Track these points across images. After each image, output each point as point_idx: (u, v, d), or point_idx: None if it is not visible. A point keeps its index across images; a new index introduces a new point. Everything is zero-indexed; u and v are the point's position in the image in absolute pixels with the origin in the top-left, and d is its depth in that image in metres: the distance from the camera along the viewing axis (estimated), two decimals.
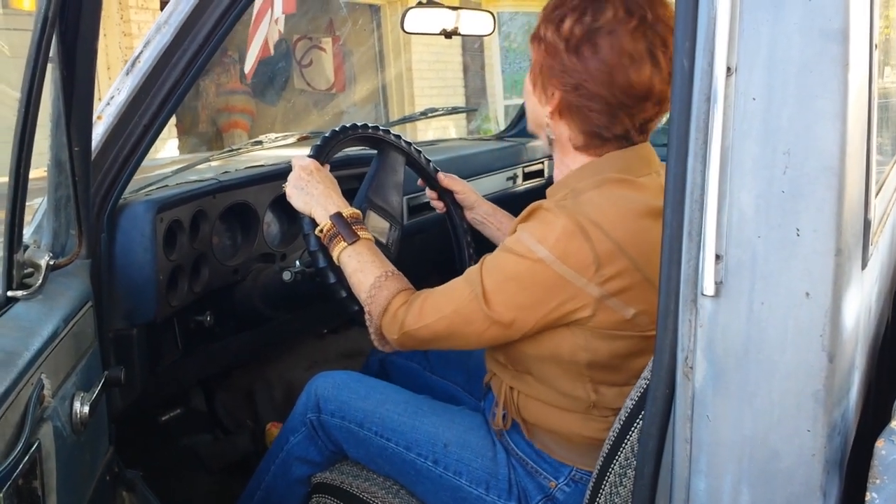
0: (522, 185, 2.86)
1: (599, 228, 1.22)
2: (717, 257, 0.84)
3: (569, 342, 1.28)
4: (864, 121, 0.85)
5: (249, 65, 6.48)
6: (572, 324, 1.26)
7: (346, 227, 1.45)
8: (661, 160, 1.20)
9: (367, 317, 1.43)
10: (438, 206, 1.87)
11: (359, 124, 1.74)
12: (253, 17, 6.29)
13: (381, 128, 1.79)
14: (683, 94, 0.88)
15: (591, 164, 1.34)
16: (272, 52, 6.74)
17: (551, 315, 1.25)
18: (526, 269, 1.24)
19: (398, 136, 1.82)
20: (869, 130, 0.88)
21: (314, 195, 1.50)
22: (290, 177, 1.53)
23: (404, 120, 3.39)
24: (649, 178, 1.32)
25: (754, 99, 0.82)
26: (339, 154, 1.77)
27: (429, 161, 1.87)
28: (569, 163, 1.38)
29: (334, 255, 1.46)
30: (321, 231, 1.47)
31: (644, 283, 1.23)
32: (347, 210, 1.49)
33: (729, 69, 0.83)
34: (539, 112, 1.36)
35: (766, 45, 0.81)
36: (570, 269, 1.21)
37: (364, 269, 1.42)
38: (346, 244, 1.44)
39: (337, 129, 1.71)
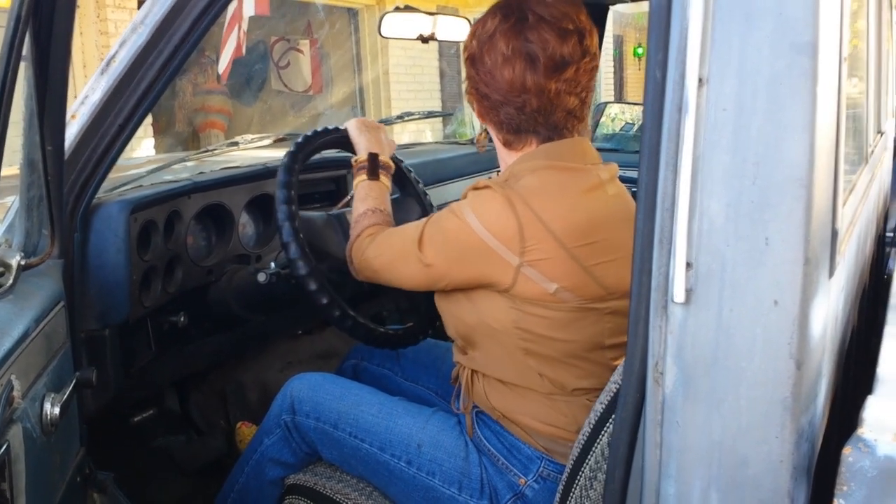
0: None
1: (527, 205, 1.33)
2: (688, 265, 0.85)
3: (495, 309, 1.39)
4: (833, 132, 0.87)
5: (223, 65, 6.45)
6: (498, 292, 1.37)
7: (374, 166, 1.69)
8: (632, 166, 1.22)
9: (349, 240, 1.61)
10: None
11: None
12: (227, 19, 6.27)
13: (412, 174, 1.96)
14: (655, 104, 0.89)
15: (527, 155, 1.44)
16: (244, 52, 6.72)
17: (469, 271, 1.38)
18: (455, 227, 1.38)
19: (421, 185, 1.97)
20: (837, 141, 0.89)
21: (366, 136, 1.75)
22: (351, 125, 1.79)
23: (381, 123, 3.38)
24: (581, 167, 1.41)
25: (725, 109, 0.84)
26: (316, 157, 1.77)
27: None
28: (506, 158, 1.48)
29: (355, 181, 1.69)
30: (357, 160, 1.72)
31: (568, 259, 1.33)
32: (384, 158, 1.72)
33: (700, 80, 0.84)
34: (477, 112, 1.50)
35: (737, 56, 0.83)
36: (493, 236, 1.34)
37: (364, 199, 1.64)
38: (365, 177, 1.68)
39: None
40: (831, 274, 0.90)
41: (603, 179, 1.41)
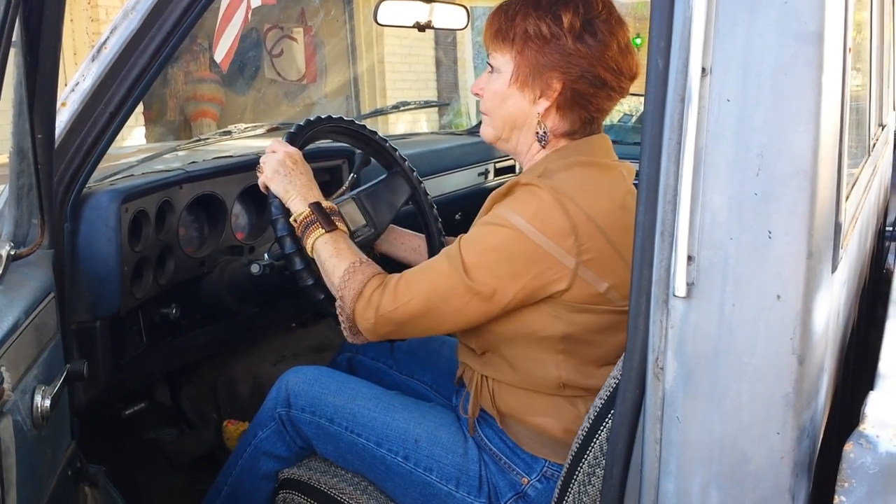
0: (493, 181, 2.85)
1: (573, 201, 1.26)
2: (689, 258, 0.84)
3: (544, 318, 1.31)
4: (837, 124, 0.86)
5: (222, 54, 6.39)
6: (548, 298, 1.29)
7: (324, 216, 1.46)
8: (633, 159, 1.21)
9: (338, 305, 1.42)
10: None
11: (377, 134, 1.83)
12: (226, 6, 6.21)
13: (398, 152, 1.86)
14: (658, 94, 0.88)
15: (558, 152, 1.39)
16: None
17: (529, 286, 1.27)
18: (504, 239, 1.27)
19: (412, 170, 1.87)
20: (841, 133, 0.88)
21: (296, 184, 1.50)
22: (272, 160, 1.52)
23: (376, 113, 3.38)
24: (610, 163, 1.39)
25: (729, 100, 0.82)
26: (310, 147, 1.75)
27: (433, 209, 1.88)
28: (533, 156, 1.42)
29: (309, 242, 1.45)
30: (297, 219, 1.47)
31: (616, 256, 1.28)
32: (326, 203, 1.50)
33: (704, 70, 0.83)
34: (526, 111, 1.38)
35: (741, 46, 0.81)
36: (547, 238, 1.25)
37: (339, 255, 1.42)
38: (322, 231, 1.44)
39: (359, 127, 1.79)
40: (834, 268, 0.89)
41: (624, 176, 1.39)
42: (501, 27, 1.37)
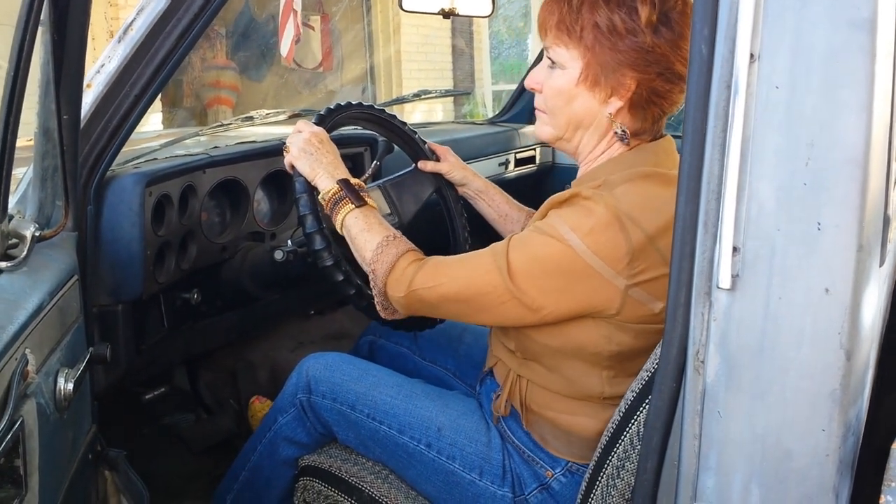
0: (514, 172, 2.83)
1: (634, 221, 1.19)
2: (734, 249, 0.81)
3: (595, 336, 1.26)
4: (888, 113, 0.83)
5: (286, 49, 6.46)
6: (598, 318, 1.24)
7: (353, 192, 1.43)
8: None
9: (371, 278, 1.39)
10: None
11: (407, 125, 1.80)
12: (284, 2, 6.30)
13: (427, 145, 1.82)
14: (701, 82, 0.85)
15: (622, 157, 1.31)
16: (301, 33, 6.73)
17: (573, 302, 1.22)
18: (555, 253, 1.20)
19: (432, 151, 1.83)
20: (892, 123, 0.85)
21: (322, 162, 1.47)
22: (298, 140, 1.49)
23: (396, 101, 3.34)
24: (676, 173, 1.29)
25: (777, 87, 0.80)
26: (332, 134, 1.73)
27: (459, 204, 1.84)
28: (588, 160, 1.35)
29: (339, 218, 1.42)
30: (325, 196, 1.44)
31: None
32: (354, 180, 1.46)
33: (752, 56, 0.81)
34: (595, 111, 1.29)
35: (791, 31, 0.79)
36: (600, 260, 1.18)
37: (371, 230, 1.39)
38: (353, 206, 1.41)
39: (384, 112, 1.76)
40: (882, 262, 0.86)
41: None
42: (564, 18, 1.26)
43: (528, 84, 1.38)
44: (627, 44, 1.23)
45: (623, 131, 1.29)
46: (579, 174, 1.37)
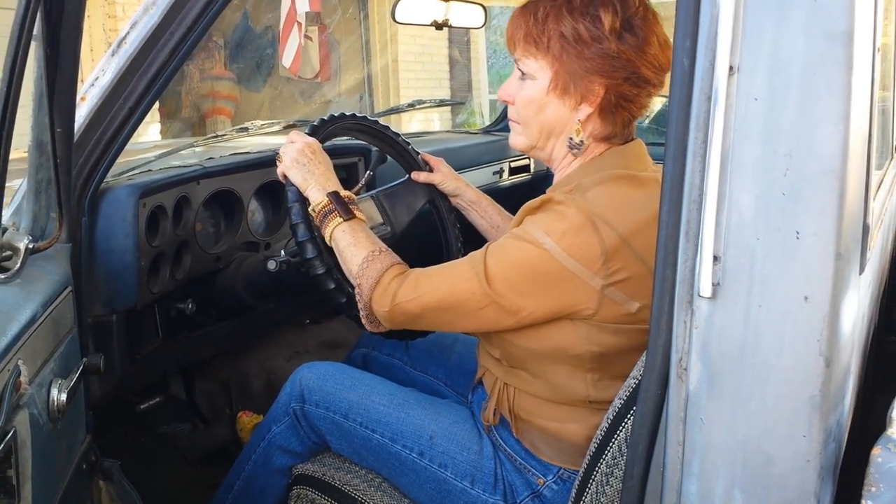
0: (508, 180, 2.84)
1: (607, 222, 1.21)
2: (715, 258, 0.83)
3: (573, 337, 1.28)
4: (866, 124, 0.84)
5: (290, 60, 6.47)
6: (577, 319, 1.26)
7: (342, 205, 1.45)
8: (656, 159, 1.20)
9: (356, 292, 1.41)
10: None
11: (400, 136, 1.81)
12: (286, 13, 6.33)
13: (420, 156, 1.83)
14: (683, 93, 0.87)
15: (593, 162, 1.34)
16: (303, 43, 6.76)
17: (551, 304, 1.24)
18: (530, 257, 1.23)
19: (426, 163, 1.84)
20: (870, 134, 0.87)
21: (314, 174, 1.49)
22: (291, 150, 1.51)
23: (392, 111, 3.36)
24: (647, 175, 1.33)
25: (756, 99, 0.81)
26: (326, 144, 1.75)
27: (452, 214, 1.85)
28: (564, 167, 1.37)
29: (328, 231, 1.44)
30: (315, 208, 1.46)
31: (648, 275, 1.22)
32: (344, 192, 1.48)
33: (731, 68, 0.82)
34: (565, 119, 1.32)
35: (769, 44, 0.80)
36: (575, 261, 1.21)
37: (357, 244, 1.41)
38: (341, 220, 1.43)
39: (378, 124, 1.77)
40: (861, 270, 0.88)
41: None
42: (531, 30, 1.29)
43: (500, 96, 1.40)
44: (593, 51, 1.26)
45: (580, 141, 1.32)
46: (554, 180, 1.40)
